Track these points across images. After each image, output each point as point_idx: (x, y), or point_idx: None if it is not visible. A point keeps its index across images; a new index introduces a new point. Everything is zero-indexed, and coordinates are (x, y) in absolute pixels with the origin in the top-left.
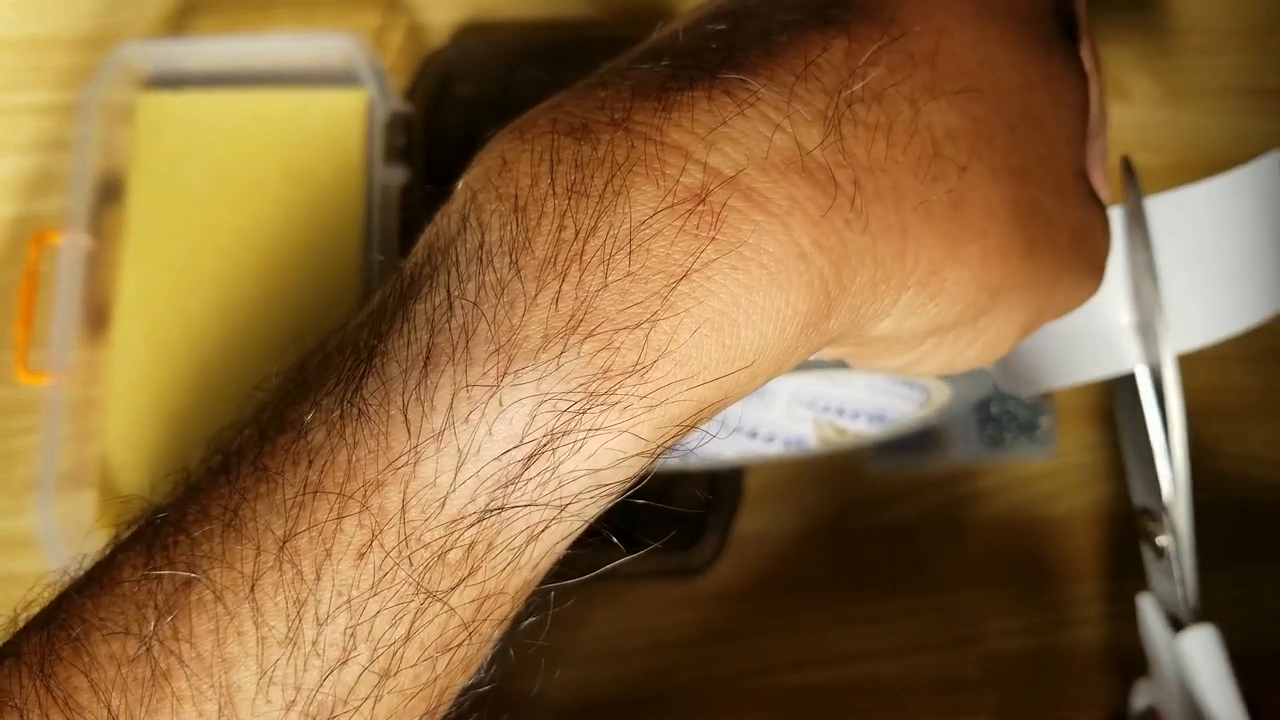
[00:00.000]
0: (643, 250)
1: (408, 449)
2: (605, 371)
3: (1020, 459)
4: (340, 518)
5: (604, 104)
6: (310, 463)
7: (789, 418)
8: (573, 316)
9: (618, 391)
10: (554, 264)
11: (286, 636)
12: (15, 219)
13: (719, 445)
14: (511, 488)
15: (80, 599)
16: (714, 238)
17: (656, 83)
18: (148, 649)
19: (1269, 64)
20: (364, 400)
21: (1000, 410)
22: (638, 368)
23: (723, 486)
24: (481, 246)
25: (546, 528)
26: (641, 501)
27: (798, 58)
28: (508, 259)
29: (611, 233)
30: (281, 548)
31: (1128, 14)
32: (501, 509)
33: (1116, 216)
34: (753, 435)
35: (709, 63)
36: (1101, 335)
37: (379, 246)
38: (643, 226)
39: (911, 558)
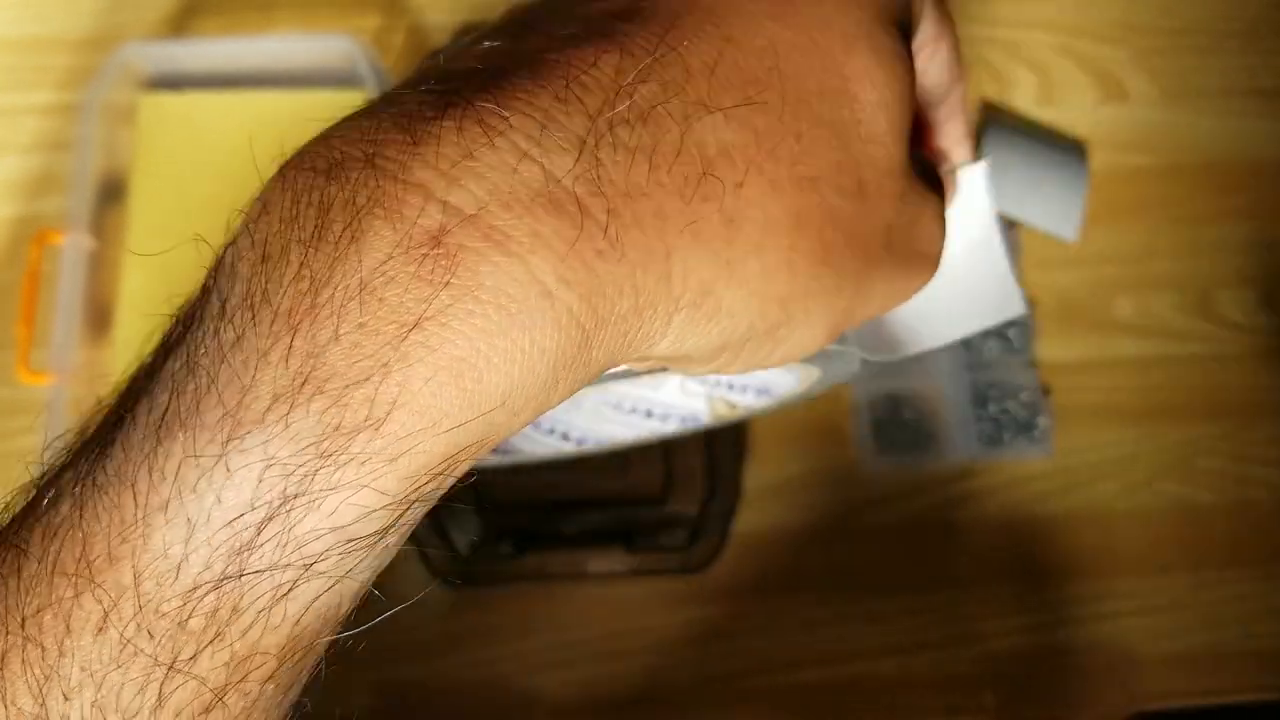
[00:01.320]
0: (375, 299)
1: (137, 520)
2: (336, 429)
3: (1017, 459)
4: (78, 593)
5: (362, 137)
6: (55, 537)
7: (683, 394)
8: (301, 373)
9: (351, 449)
10: (289, 318)
11: (34, 714)
12: (17, 219)
13: (617, 428)
14: (247, 553)
15: None
16: (449, 282)
17: (412, 112)
18: None
19: (1267, 64)
20: (104, 471)
21: (998, 410)
22: (369, 422)
23: (721, 486)
24: (227, 300)
25: (294, 587)
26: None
27: (560, 78)
28: (249, 314)
29: (345, 282)
30: (24, 625)
31: (1124, 15)
32: (240, 574)
33: (980, 173)
34: (649, 415)
35: (472, 87)
36: (984, 288)
37: None
38: (375, 274)
39: (909, 557)
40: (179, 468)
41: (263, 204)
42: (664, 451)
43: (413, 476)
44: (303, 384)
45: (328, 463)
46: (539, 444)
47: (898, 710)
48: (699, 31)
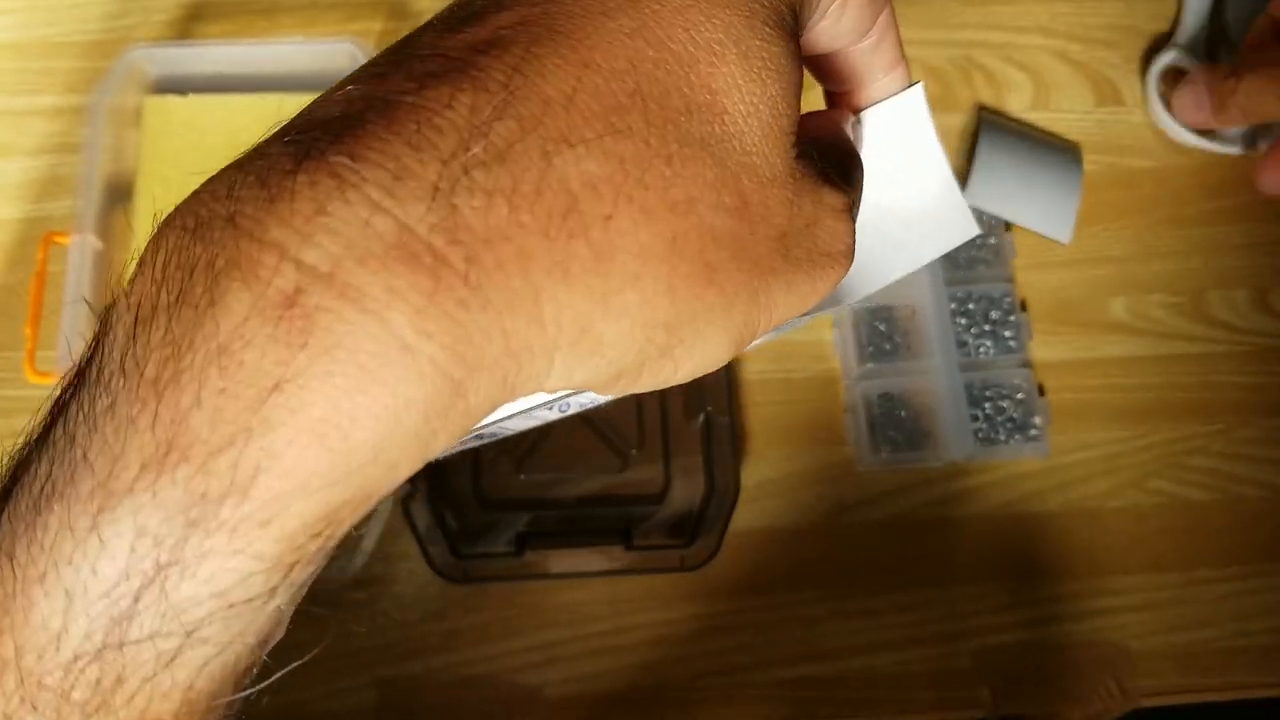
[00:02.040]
0: (234, 363)
1: (15, 593)
2: (203, 496)
3: (1013, 458)
4: None
5: (226, 194)
6: None
7: None
8: (167, 441)
9: (220, 515)
10: (155, 384)
11: None
12: (24, 220)
13: (522, 421)
14: (126, 622)
15: None
16: (306, 343)
17: (272, 166)
18: None
19: None
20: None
21: (994, 410)
22: (236, 488)
23: (719, 484)
24: (104, 365)
25: (179, 654)
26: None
27: (412, 122)
28: (121, 379)
29: (205, 346)
30: None
31: (1118, 19)
32: (121, 644)
33: (917, 95)
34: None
35: (328, 137)
36: (934, 214)
37: None
38: (233, 337)
39: (906, 553)
40: (55, 540)
41: (139, 264)
42: (663, 450)
43: (289, 538)
44: (168, 452)
45: (197, 530)
46: None
47: (894, 705)
48: (556, 58)
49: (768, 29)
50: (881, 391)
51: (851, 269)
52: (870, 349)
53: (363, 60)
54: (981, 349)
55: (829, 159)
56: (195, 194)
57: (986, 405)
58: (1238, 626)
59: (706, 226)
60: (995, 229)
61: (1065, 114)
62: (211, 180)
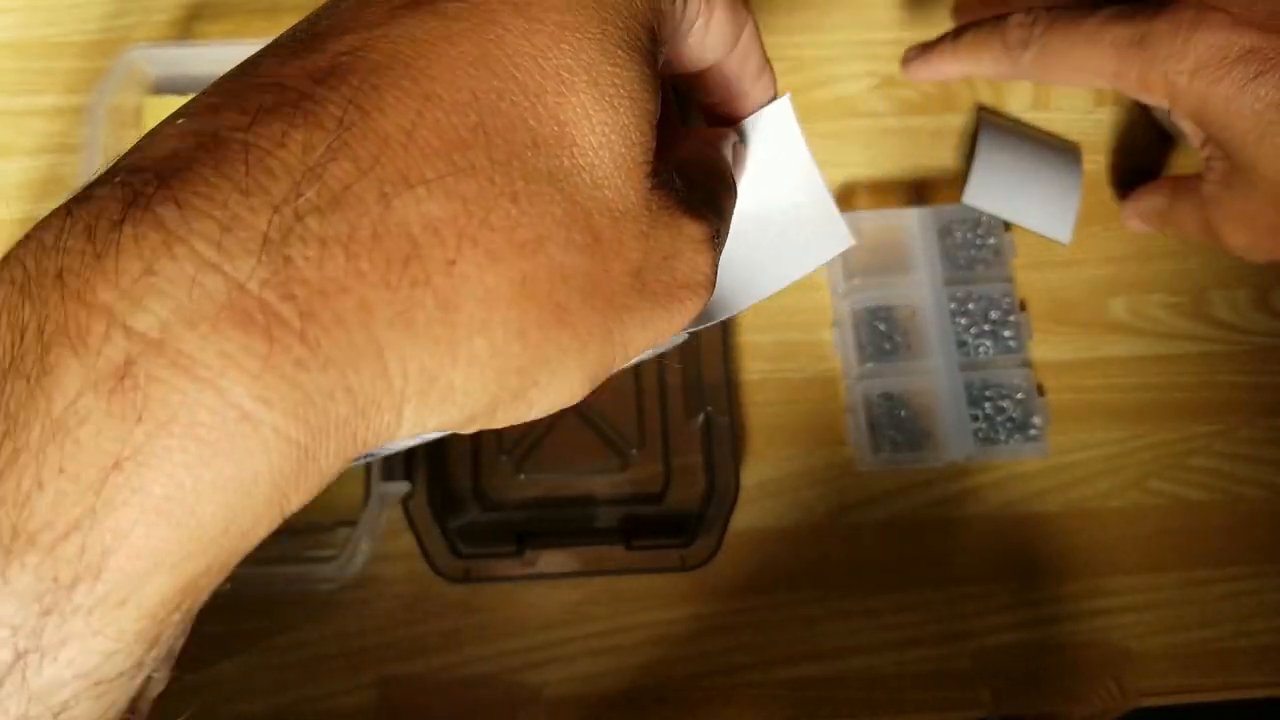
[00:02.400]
0: (71, 441)
1: None
2: (55, 581)
3: (1014, 458)
4: None
5: (55, 244)
6: None
7: None
8: (14, 527)
9: (74, 599)
10: None
11: None
12: (24, 221)
13: (396, 445)
14: None
15: None
16: (141, 417)
17: (100, 213)
18: None
19: None
20: None
21: (994, 409)
22: (86, 571)
23: (719, 485)
24: None
25: None
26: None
27: (241, 164)
28: None
29: (41, 423)
30: None
31: None
32: None
33: (785, 107)
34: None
35: (156, 181)
36: (808, 226)
37: None
38: (68, 413)
39: (906, 554)
40: None
41: None
42: (663, 450)
43: (148, 615)
44: (14, 537)
45: (53, 616)
46: None
47: (894, 705)
48: (396, 90)
49: (620, 53)
50: (882, 391)
51: (731, 282)
52: (870, 349)
53: None
54: (981, 349)
55: (696, 185)
56: (26, 239)
57: (986, 405)
58: (1238, 627)
59: (556, 266)
60: (995, 229)
61: (1065, 114)
62: (42, 224)
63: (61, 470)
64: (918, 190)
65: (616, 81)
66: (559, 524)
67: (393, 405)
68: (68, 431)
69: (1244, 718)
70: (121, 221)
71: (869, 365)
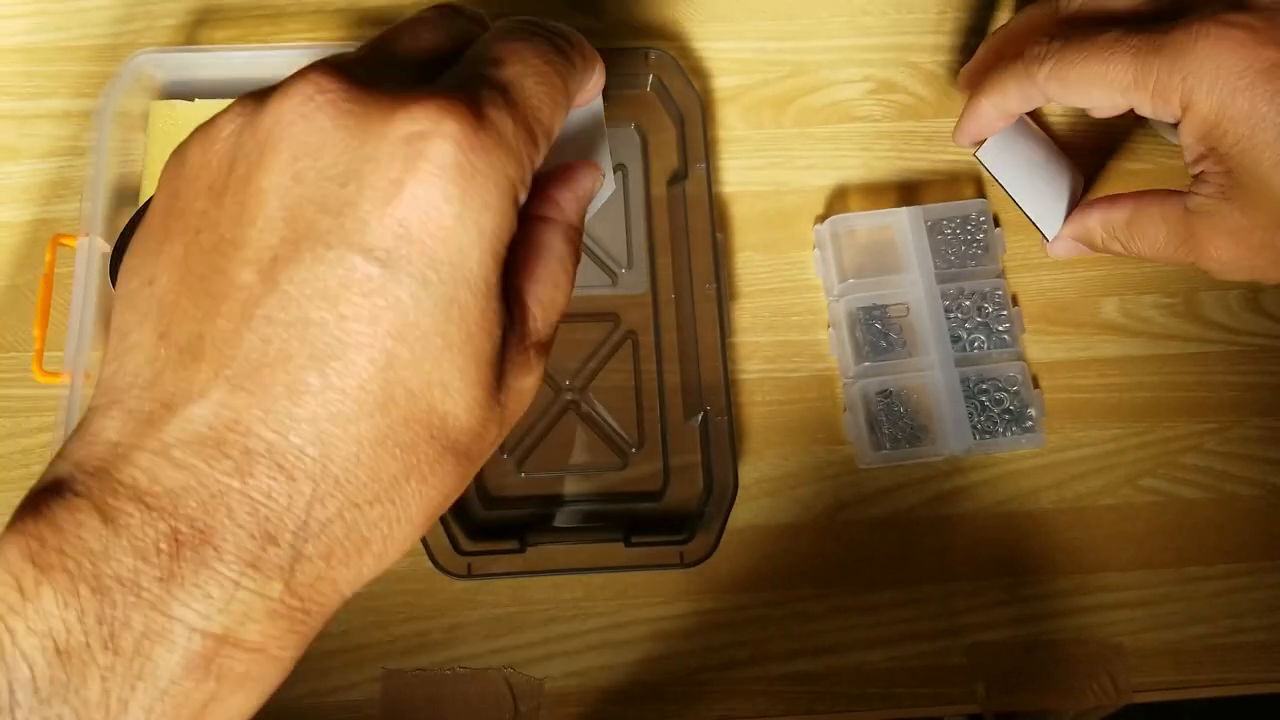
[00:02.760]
0: (172, 700)
1: None
2: None
3: (1011, 449)
4: None
5: (105, 553)
6: None
7: None
8: None
9: None
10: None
11: None
12: (33, 222)
13: None
14: None
15: None
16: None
17: (150, 543)
18: None
19: None
20: None
21: (990, 402)
22: None
23: (718, 482)
24: (36, 691)
25: None
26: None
27: (247, 511)
28: (67, 708)
29: (148, 691)
30: None
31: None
32: None
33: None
34: None
35: (211, 536)
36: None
37: None
38: (172, 685)
39: (901, 551)
40: None
41: (17, 586)
42: (662, 449)
43: None
44: None
45: None
46: None
47: (890, 700)
48: (335, 437)
49: (479, 336)
50: (879, 389)
51: None
52: (866, 348)
53: None
54: (976, 343)
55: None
56: (78, 550)
57: (983, 398)
58: (1230, 623)
59: (441, 499)
60: (985, 224)
61: (1062, 115)
62: (87, 536)
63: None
64: (910, 192)
65: (479, 361)
66: (560, 521)
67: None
68: (167, 692)
69: (1237, 714)
70: (172, 554)
71: (866, 364)
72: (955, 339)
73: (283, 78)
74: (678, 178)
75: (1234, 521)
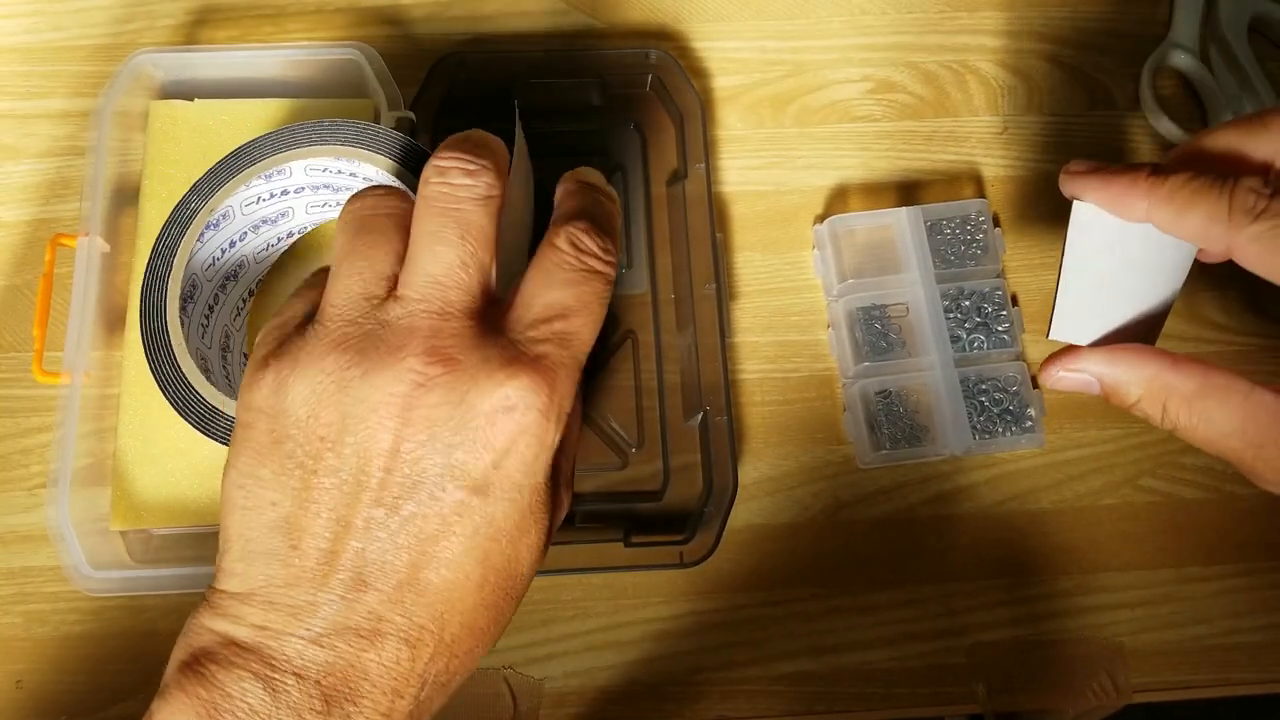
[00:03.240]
0: None
1: None
2: None
3: (1010, 449)
4: None
5: (269, 716)
6: None
7: None
8: None
9: None
10: None
11: None
12: (32, 222)
13: None
14: None
15: None
16: None
17: (307, 705)
18: None
19: None
20: None
21: (990, 402)
22: None
23: (717, 481)
24: None
25: None
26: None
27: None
28: None
29: None
30: None
31: (1110, 20)
32: None
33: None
34: None
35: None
36: None
37: None
38: None
39: (901, 551)
40: None
41: None
42: (662, 449)
43: None
44: None
45: None
46: None
47: (889, 700)
48: (435, 612)
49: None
50: (879, 389)
51: None
52: (866, 348)
53: (368, 67)
54: (975, 343)
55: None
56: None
57: (982, 398)
58: (1230, 624)
59: (498, 612)
60: (984, 225)
61: (1059, 117)
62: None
63: None
64: (910, 192)
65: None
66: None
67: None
68: None
69: (1236, 714)
70: (327, 715)
71: (865, 364)
72: (955, 339)
73: (281, 78)
74: (677, 177)
75: (1233, 522)
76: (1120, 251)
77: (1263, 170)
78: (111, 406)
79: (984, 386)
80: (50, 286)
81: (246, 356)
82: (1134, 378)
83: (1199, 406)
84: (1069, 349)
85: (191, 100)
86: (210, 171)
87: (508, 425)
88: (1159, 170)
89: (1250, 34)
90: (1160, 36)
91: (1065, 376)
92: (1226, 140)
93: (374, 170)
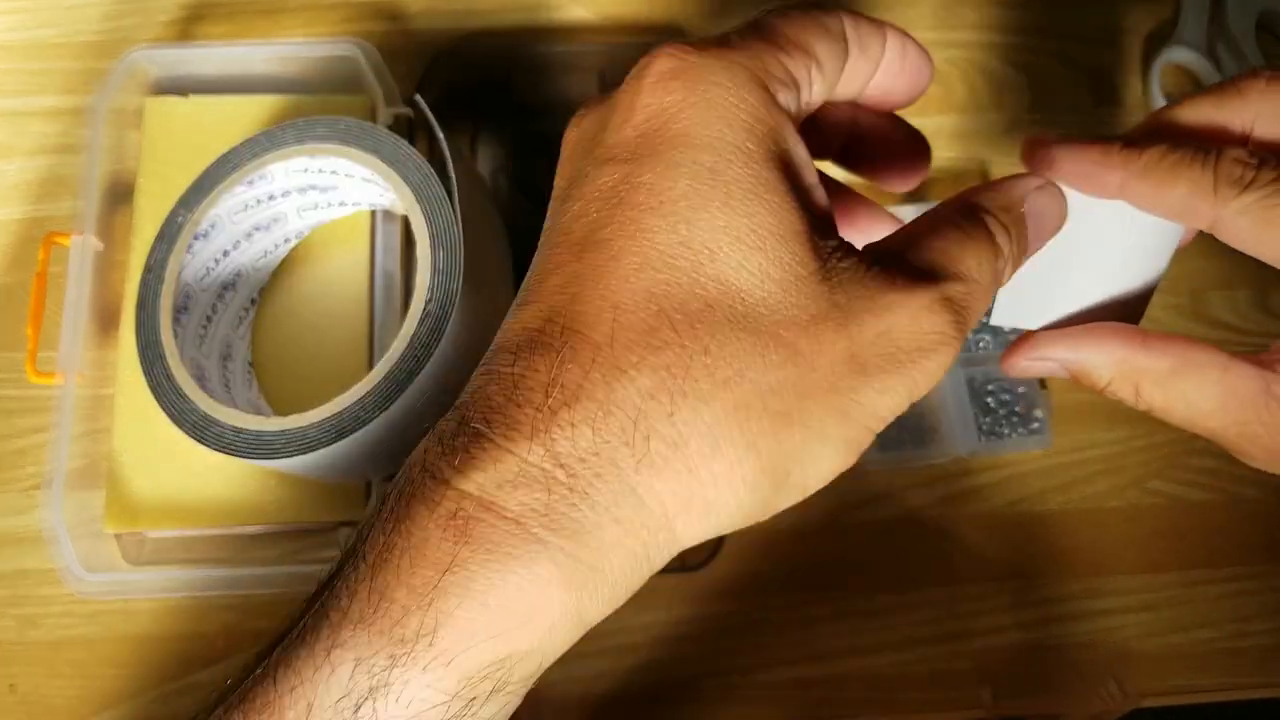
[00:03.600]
0: (420, 555)
1: (274, 700)
2: (401, 640)
3: (1017, 450)
4: None
5: (423, 451)
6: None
7: None
8: (376, 603)
9: (414, 653)
10: (371, 568)
11: None
12: (25, 221)
13: None
14: None
15: None
16: (467, 540)
17: (445, 431)
18: None
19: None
20: (261, 669)
21: (997, 403)
22: (423, 636)
23: None
24: (346, 559)
25: None
26: None
27: (510, 386)
28: (353, 568)
29: (403, 544)
30: None
31: (1116, 17)
32: None
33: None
34: None
35: (472, 415)
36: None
37: (383, 245)
38: (420, 539)
39: (906, 554)
40: (303, 664)
41: (378, 498)
42: None
43: (465, 677)
44: (377, 608)
45: (398, 664)
46: None
47: (894, 705)
48: (592, 312)
49: (749, 200)
50: None
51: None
52: None
53: (365, 63)
54: (981, 344)
55: (909, 258)
56: (413, 453)
57: (989, 399)
58: (1237, 627)
59: (763, 385)
60: None
61: (1065, 114)
62: (423, 442)
63: (413, 571)
64: (915, 190)
65: (753, 227)
66: None
67: (661, 526)
68: (419, 548)
69: (1244, 718)
70: (458, 435)
71: None
72: None
73: (276, 74)
74: None
75: (1240, 524)
76: (1084, 231)
77: (1242, 141)
78: (105, 407)
79: (990, 387)
80: (44, 286)
81: (250, 365)
82: (1102, 360)
83: (1174, 386)
84: (1028, 336)
85: (187, 96)
86: (195, 183)
87: None
88: (1132, 143)
89: (1258, 31)
90: (1167, 34)
91: (1029, 366)
92: (1200, 111)
93: (352, 165)
